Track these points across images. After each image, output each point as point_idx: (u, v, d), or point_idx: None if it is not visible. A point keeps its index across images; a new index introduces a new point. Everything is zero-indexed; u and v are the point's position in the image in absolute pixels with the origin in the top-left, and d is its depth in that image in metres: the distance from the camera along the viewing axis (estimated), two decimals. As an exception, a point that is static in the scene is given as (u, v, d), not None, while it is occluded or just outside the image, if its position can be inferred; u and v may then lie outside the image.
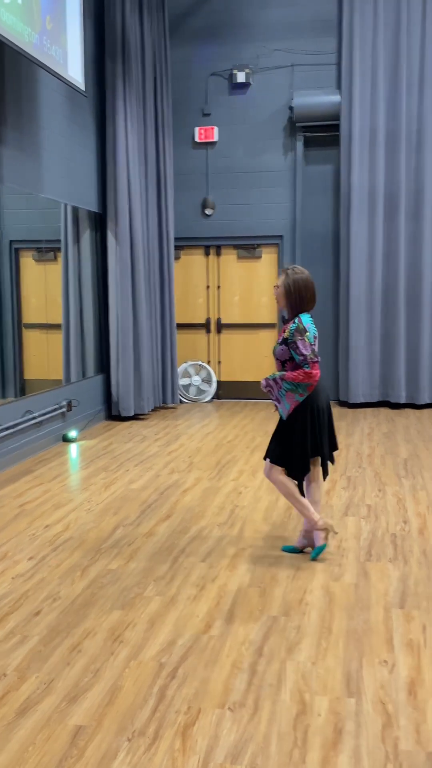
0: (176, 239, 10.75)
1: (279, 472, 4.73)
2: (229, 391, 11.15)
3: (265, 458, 4.79)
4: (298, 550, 4.89)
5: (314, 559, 4.72)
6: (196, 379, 11.01)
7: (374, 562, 4.71)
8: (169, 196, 10.31)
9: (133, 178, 9.54)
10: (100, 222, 9.76)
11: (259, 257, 10.92)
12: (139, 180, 9.67)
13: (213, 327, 11.12)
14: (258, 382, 11.01)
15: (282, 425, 4.70)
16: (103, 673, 3.44)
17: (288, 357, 4.58)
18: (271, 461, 4.73)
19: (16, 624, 3.94)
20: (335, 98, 10.29)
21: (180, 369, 10.90)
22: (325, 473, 4.83)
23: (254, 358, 11.07)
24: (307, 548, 4.87)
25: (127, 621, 3.96)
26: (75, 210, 9.11)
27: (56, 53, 7.12)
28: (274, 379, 4.60)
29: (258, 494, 6.24)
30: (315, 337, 4.60)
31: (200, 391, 11.02)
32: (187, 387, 11.02)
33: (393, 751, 2.84)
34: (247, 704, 3.16)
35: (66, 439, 8.48)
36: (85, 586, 4.41)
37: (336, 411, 10.08)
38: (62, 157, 8.58)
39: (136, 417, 9.82)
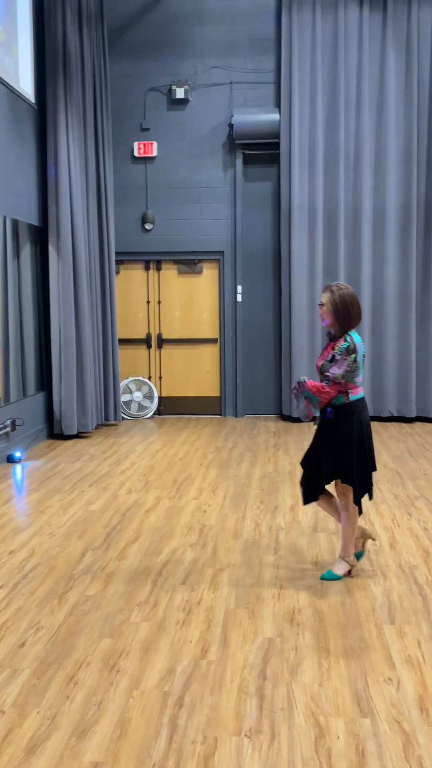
0: (116, 253, 10.62)
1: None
2: (170, 407, 11.06)
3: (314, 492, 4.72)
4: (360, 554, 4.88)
5: (324, 578, 4.71)
6: (138, 395, 10.88)
7: (354, 578, 4.73)
8: (110, 210, 10.18)
9: (75, 192, 9.38)
10: (40, 236, 9.56)
11: (200, 273, 10.90)
12: (80, 193, 9.52)
13: (154, 342, 11.02)
14: (199, 398, 10.98)
15: (331, 449, 4.62)
16: (107, 704, 3.32)
17: None
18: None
19: (2, 657, 3.77)
20: (274, 116, 10.42)
21: (121, 385, 10.75)
22: (371, 493, 4.78)
23: (196, 373, 11.03)
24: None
25: (119, 649, 3.84)
26: (14, 223, 8.88)
27: (8, 64, 6.95)
28: (298, 382, 4.67)
29: (223, 512, 6.19)
30: (364, 355, 4.61)
31: (142, 407, 10.90)
32: (128, 403, 10.87)
33: (419, 771, 2.84)
34: (263, 730, 3.11)
35: (10, 460, 8.21)
36: (66, 614, 4.26)
37: (281, 426, 10.14)
38: (1, 168, 8.35)
39: (79, 435, 9.61)
